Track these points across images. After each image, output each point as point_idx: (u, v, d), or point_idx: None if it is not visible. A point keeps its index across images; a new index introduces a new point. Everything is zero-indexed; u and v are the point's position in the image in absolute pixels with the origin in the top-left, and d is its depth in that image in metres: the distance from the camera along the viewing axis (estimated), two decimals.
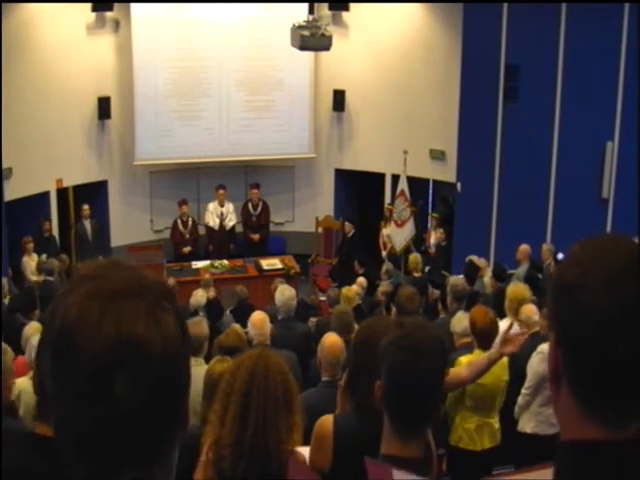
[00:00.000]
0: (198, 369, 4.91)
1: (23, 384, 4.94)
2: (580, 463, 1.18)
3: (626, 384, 1.16)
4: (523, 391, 5.69)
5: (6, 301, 8.76)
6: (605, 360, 1.15)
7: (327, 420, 3.02)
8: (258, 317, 5.93)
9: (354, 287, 9.07)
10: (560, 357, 1.20)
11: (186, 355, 1.06)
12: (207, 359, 5.13)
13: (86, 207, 12.60)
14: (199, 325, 5.53)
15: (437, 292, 8.41)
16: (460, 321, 5.80)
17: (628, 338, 1.14)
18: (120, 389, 0.98)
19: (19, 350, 5.99)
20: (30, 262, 11.25)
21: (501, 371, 5.15)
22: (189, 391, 1.09)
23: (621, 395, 1.17)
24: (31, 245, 11.41)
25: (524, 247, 10.20)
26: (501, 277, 8.86)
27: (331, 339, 4.44)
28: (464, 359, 5.28)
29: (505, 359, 4.81)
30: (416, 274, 10.30)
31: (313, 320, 8.51)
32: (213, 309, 8.00)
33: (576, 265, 1.19)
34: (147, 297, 1.04)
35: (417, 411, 2.16)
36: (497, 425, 5.42)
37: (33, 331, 5.90)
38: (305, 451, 3.00)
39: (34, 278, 10.76)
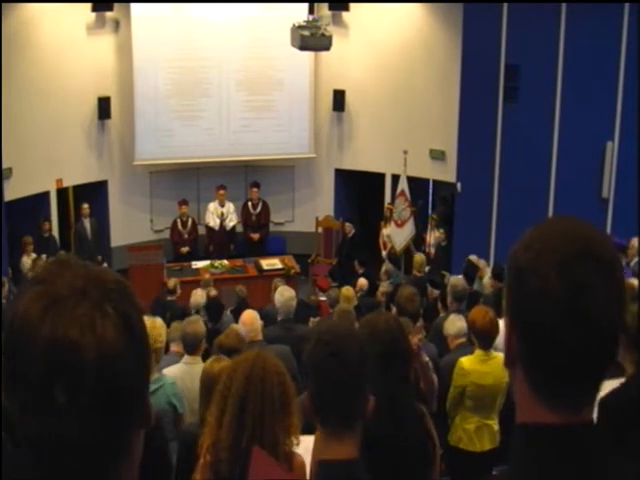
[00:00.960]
0: (195, 368, 4.92)
1: None
2: (531, 445, 1.20)
3: (576, 369, 1.16)
4: None
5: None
6: (555, 345, 1.15)
7: None
8: (247, 315, 6.09)
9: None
10: (514, 342, 1.21)
11: (133, 356, 1.03)
12: (206, 358, 5.13)
13: (86, 206, 12.59)
14: (196, 324, 5.53)
15: (437, 292, 8.41)
16: (453, 323, 5.81)
17: (578, 323, 1.14)
18: (60, 396, 0.98)
19: None
20: (29, 262, 11.25)
21: (501, 372, 5.14)
22: (143, 392, 1.08)
23: (571, 380, 1.17)
24: (31, 246, 11.40)
25: None
26: (501, 277, 8.85)
27: None
28: (465, 360, 5.29)
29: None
30: (418, 274, 10.30)
31: (314, 320, 8.50)
32: (214, 308, 7.99)
33: (529, 249, 1.19)
34: (89, 298, 1.02)
35: (345, 405, 2.15)
36: (496, 427, 5.41)
37: None
38: (306, 440, 2.99)
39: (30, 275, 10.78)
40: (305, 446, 3.00)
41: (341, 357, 2.14)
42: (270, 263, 12.10)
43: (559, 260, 1.16)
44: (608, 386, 3.31)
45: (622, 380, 3.38)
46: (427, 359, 4.89)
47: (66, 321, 1.00)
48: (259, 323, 6.09)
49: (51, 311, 1.00)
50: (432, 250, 12.45)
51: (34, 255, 11.28)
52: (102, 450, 1.02)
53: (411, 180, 12.32)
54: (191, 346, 5.34)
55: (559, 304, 1.14)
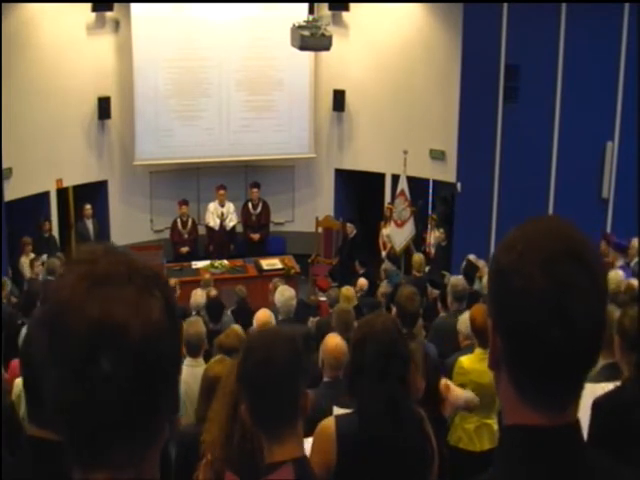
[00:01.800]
0: (199, 370, 4.90)
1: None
2: (516, 447, 1.20)
3: (560, 368, 1.17)
4: None
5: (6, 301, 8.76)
6: (540, 344, 1.15)
7: (329, 422, 3.01)
8: (264, 315, 5.96)
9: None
10: (498, 343, 1.21)
11: (172, 343, 1.08)
12: (207, 359, 5.12)
13: (88, 207, 12.61)
14: (196, 324, 5.52)
15: (437, 292, 8.41)
16: (465, 322, 5.80)
17: (561, 322, 1.14)
18: (102, 370, 1.01)
19: (17, 350, 6.00)
20: (27, 262, 11.26)
21: None
22: (175, 378, 1.13)
23: (556, 379, 1.17)
24: (30, 246, 11.40)
25: None
26: None
27: (333, 340, 4.43)
28: (465, 359, 5.29)
29: None
30: (417, 274, 10.30)
31: (313, 320, 8.50)
32: (214, 309, 7.99)
33: (511, 250, 1.19)
34: (134, 283, 1.06)
35: (280, 405, 2.18)
36: (496, 426, 5.41)
37: None
38: (307, 442, 2.99)
39: (28, 275, 10.78)
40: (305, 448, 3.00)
41: (266, 362, 2.17)
42: (270, 263, 12.10)
43: (542, 259, 1.16)
44: (605, 388, 3.31)
45: (618, 383, 3.38)
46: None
47: (113, 300, 1.04)
48: (273, 324, 5.95)
49: (97, 291, 1.04)
50: (432, 250, 12.45)
51: (32, 255, 11.28)
52: (134, 423, 1.05)
53: (411, 180, 12.32)
54: (194, 347, 5.30)
55: (543, 303, 1.14)
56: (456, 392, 4.58)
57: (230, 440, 2.79)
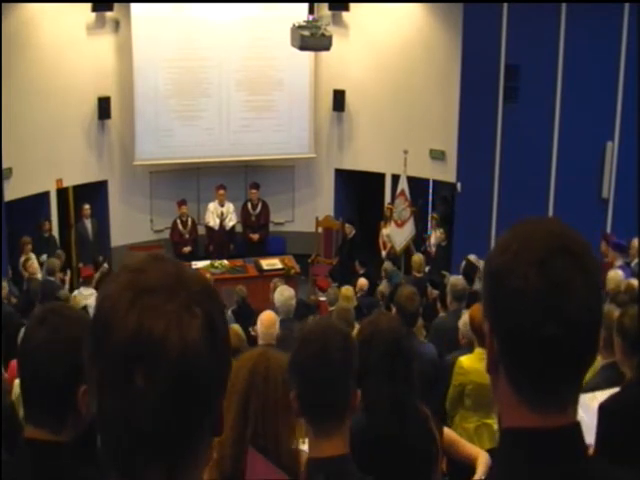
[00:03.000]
0: None
1: None
2: (515, 449, 1.20)
3: (557, 369, 1.17)
4: None
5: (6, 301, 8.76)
6: (536, 345, 1.15)
7: None
8: (268, 316, 5.83)
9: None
10: (495, 346, 1.21)
11: (212, 363, 1.04)
12: None
13: (87, 207, 12.61)
14: None
15: (436, 292, 8.41)
16: (466, 322, 5.79)
17: (557, 322, 1.14)
18: (139, 383, 1.00)
19: (17, 350, 5.98)
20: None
21: None
22: (221, 396, 1.09)
23: (553, 380, 1.17)
24: (29, 246, 11.40)
25: None
26: None
27: None
28: (465, 359, 5.29)
29: None
30: (417, 274, 10.30)
31: (313, 319, 8.50)
32: None
33: (506, 251, 1.19)
34: (179, 296, 1.04)
35: (330, 403, 2.17)
36: (496, 426, 5.41)
37: None
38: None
39: (26, 275, 10.79)
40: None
41: (323, 356, 2.15)
42: (270, 263, 12.09)
43: (537, 259, 1.16)
44: (608, 394, 3.30)
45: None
46: None
47: (153, 314, 1.01)
48: (277, 328, 5.80)
49: (139, 302, 1.02)
50: (432, 250, 12.45)
51: (32, 255, 11.28)
52: (169, 442, 1.03)
53: (411, 180, 12.32)
54: None
55: (539, 303, 1.14)
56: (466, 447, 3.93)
57: (241, 438, 2.79)
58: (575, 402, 1.20)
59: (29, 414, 1.91)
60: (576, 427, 1.20)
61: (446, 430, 4.17)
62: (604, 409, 3.07)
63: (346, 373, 2.19)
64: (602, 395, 3.28)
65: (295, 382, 2.22)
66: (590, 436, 2.89)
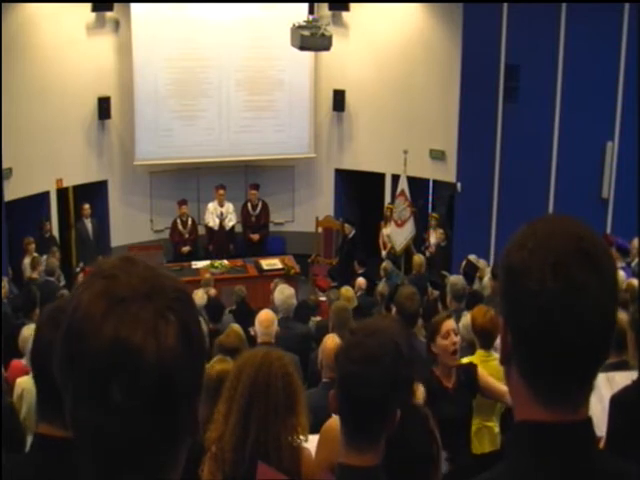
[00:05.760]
0: None
1: (26, 383, 4.93)
2: (526, 442, 1.21)
3: (570, 367, 1.17)
4: None
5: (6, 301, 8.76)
6: (550, 344, 1.16)
7: (334, 422, 3.01)
8: (266, 316, 5.76)
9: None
10: (509, 340, 1.21)
11: (189, 371, 1.04)
12: (207, 359, 5.11)
13: (87, 206, 12.61)
14: None
15: (436, 292, 8.42)
16: (467, 325, 5.78)
17: (572, 322, 1.15)
18: (115, 393, 0.98)
19: (17, 350, 5.99)
20: (29, 262, 11.25)
21: (501, 373, 5.11)
22: (197, 398, 1.08)
23: (566, 378, 1.18)
24: (32, 246, 11.40)
25: None
26: None
27: (332, 341, 4.43)
28: (465, 360, 5.28)
29: None
30: (417, 274, 10.30)
31: (314, 320, 8.50)
32: (214, 309, 7.99)
33: (522, 248, 1.19)
34: (154, 303, 1.02)
35: (370, 422, 2.09)
36: (497, 429, 5.40)
37: (32, 332, 5.88)
38: (314, 440, 2.99)
39: (28, 275, 10.78)
40: (312, 445, 3.01)
41: (367, 377, 2.04)
42: (270, 263, 12.09)
43: (553, 259, 1.16)
44: (618, 377, 3.30)
45: (630, 374, 3.36)
46: None
47: (130, 323, 0.99)
48: (275, 327, 5.75)
49: (115, 311, 1.00)
50: (433, 249, 12.45)
51: (35, 255, 11.28)
52: (150, 452, 1.02)
53: (411, 180, 12.32)
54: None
55: (554, 303, 1.15)
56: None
57: (242, 444, 2.79)
58: (587, 400, 1.21)
59: (42, 411, 1.93)
60: (588, 422, 1.21)
61: (480, 372, 4.45)
62: (616, 401, 3.07)
63: (391, 397, 2.08)
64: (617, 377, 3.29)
65: (340, 384, 2.10)
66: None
